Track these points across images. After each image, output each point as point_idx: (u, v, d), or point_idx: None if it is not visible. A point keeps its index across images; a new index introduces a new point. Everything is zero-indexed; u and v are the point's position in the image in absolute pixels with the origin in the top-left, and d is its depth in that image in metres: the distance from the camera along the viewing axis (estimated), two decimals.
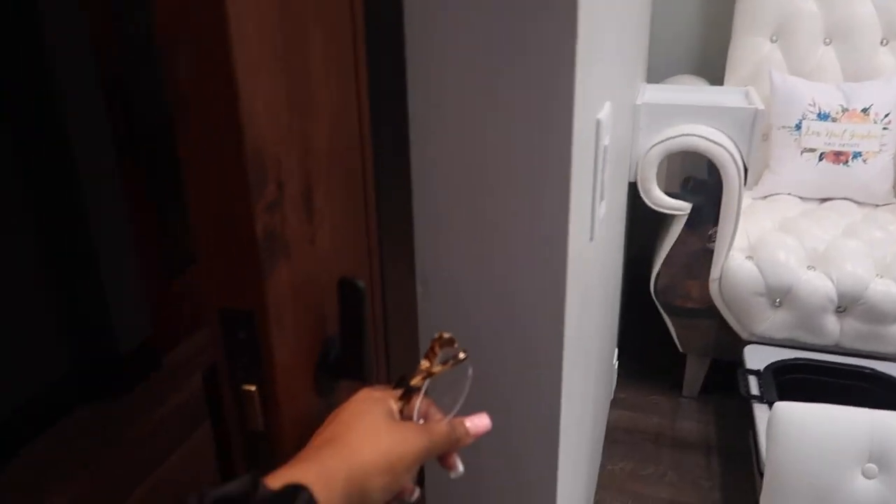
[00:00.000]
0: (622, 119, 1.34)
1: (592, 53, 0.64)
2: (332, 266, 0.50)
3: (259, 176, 0.40)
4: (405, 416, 0.47)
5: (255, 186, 0.40)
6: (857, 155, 1.83)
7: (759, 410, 1.37)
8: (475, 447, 0.64)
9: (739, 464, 1.59)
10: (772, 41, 2.00)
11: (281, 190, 0.43)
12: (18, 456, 0.38)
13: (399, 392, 0.47)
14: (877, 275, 1.55)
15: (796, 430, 1.05)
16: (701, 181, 1.68)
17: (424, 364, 0.47)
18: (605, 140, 0.73)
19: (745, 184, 1.60)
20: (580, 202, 0.64)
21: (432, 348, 0.47)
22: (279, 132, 0.42)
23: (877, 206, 1.86)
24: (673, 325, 1.76)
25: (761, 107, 1.56)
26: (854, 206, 1.86)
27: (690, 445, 1.67)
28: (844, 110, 1.84)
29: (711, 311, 1.70)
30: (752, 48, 2.01)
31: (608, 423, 1.75)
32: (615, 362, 1.82)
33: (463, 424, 0.48)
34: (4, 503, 0.37)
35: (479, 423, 0.49)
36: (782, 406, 1.07)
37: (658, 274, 1.72)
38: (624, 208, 1.62)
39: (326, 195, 0.49)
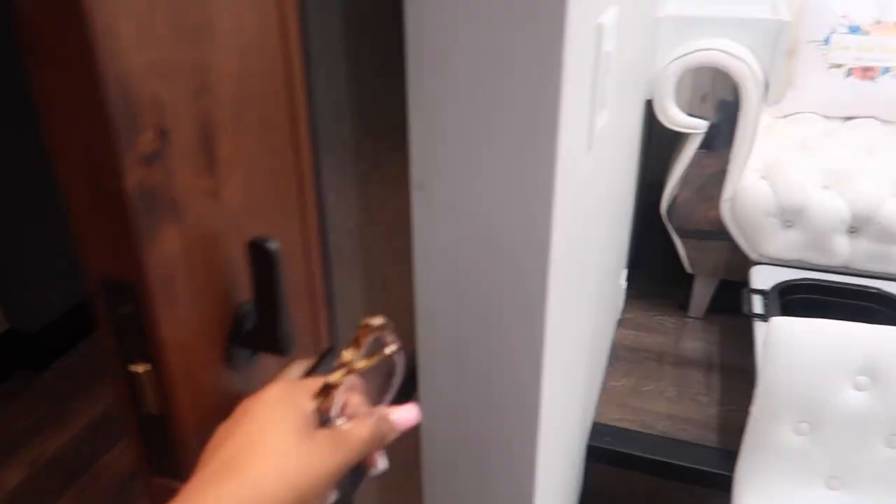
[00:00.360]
0: (639, 31, 1.29)
1: None
2: (245, 224, 0.43)
3: (128, 121, 0.33)
4: (323, 413, 0.41)
5: (123, 134, 0.32)
6: (886, 70, 1.75)
7: (761, 329, 1.38)
8: (463, 364, 0.66)
9: (738, 381, 1.62)
10: None
11: (163, 137, 0.35)
12: None
13: (317, 385, 0.41)
14: (892, 195, 1.51)
15: (790, 343, 1.06)
16: (724, 102, 1.62)
17: (346, 356, 0.41)
18: (608, 46, 0.71)
19: (765, 101, 1.55)
20: (575, 108, 0.63)
21: (357, 338, 0.41)
22: (158, 64, 0.34)
23: None
24: (683, 246, 1.76)
25: (787, 19, 1.49)
26: (879, 124, 1.80)
27: (692, 363, 1.70)
28: (878, 22, 1.75)
29: (722, 233, 1.68)
30: None
31: (614, 341, 1.78)
32: (623, 282, 1.82)
33: (388, 421, 0.43)
34: None
35: (406, 416, 0.44)
36: (777, 321, 1.08)
37: (671, 195, 1.70)
38: (639, 126, 1.58)
39: (236, 141, 0.41)
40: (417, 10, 0.57)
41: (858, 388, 1.06)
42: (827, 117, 1.85)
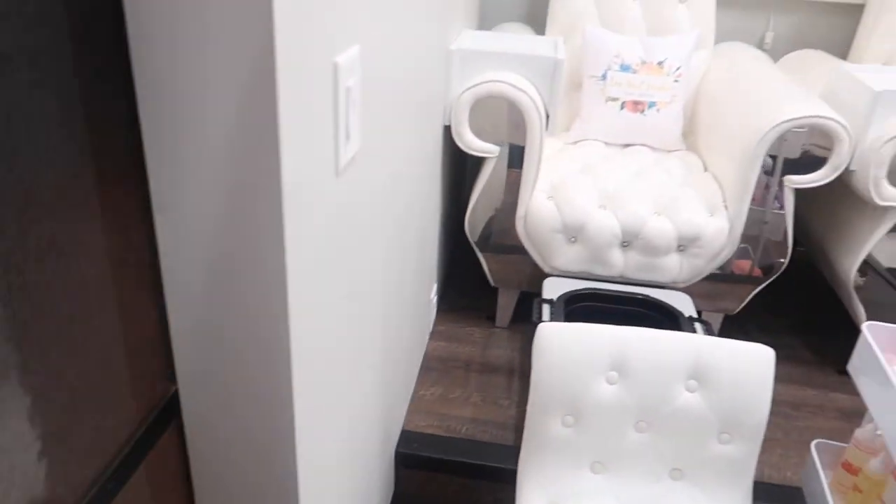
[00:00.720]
0: (427, 63, 1.40)
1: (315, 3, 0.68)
2: None
3: None
4: None
5: None
6: (652, 104, 2.01)
7: None
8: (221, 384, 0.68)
9: None
10: None
11: None
12: None
13: None
14: (655, 213, 1.74)
15: (553, 346, 1.19)
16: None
17: None
18: (349, 82, 0.78)
19: (547, 128, 1.73)
20: (310, 139, 0.69)
21: None
22: None
23: (669, 151, 2.07)
24: (486, 261, 1.89)
25: (562, 57, 1.68)
26: (650, 151, 2.05)
27: (496, 370, 1.83)
28: (644, 63, 2.01)
29: (519, 248, 1.84)
30: (570, 1, 2.13)
31: (426, 353, 1.88)
32: (434, 297, 1.93)
33: None
34: None
35: None
36: (543, 326, 1.21)
37: (471, 212, 1.83)
38: (438, 149, 1.70)
39: None
40: (141, 40, 0.61)
41: (610, 382, 1.22)
42: (608, 144, 2.08)
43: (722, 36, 2.35)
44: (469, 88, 1.65)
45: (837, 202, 1.87)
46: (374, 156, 1.00)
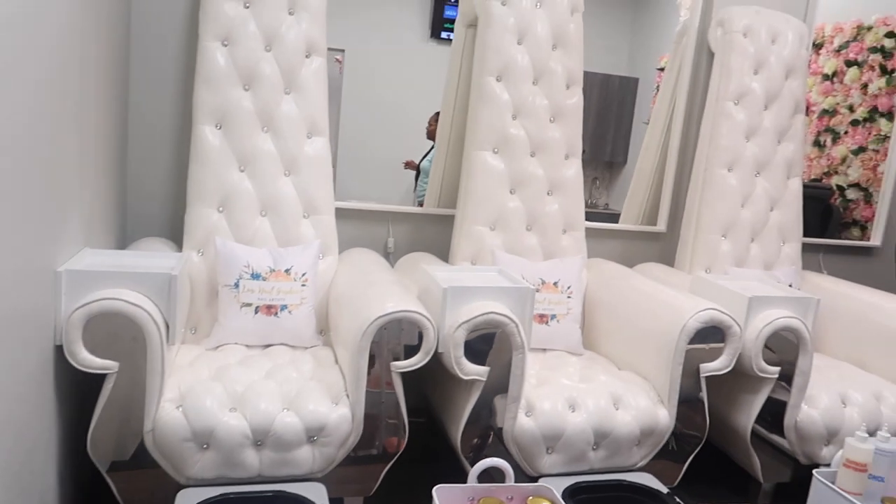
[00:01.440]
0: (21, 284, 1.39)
1: None
2: None
3: None
4: None
5: None
6: (284, 307, 2.21)
7: None
8: None
9: None
10: (219, 211, 2.33)
11: None
12: None
13: None
14: (283, 409, 1.85)
15: None
16: None
17: None
18: None
19: (168, 340, 1.78)
20: None
21: None
22: None
23: (306, 348, 2.25)
24: (115, 480, 1.78)
25: (177, 273, 1.79)
26: (288, 349, 2.21)
27: None
28: (272, 270, 2.22)
29: (150, 461, 1.78)
30: (203, 217, 2.31)
31: None
32: None
33: None
34: None
35: None
36: None
37: (93, 432, 1.74)
38: (46, 373, 1.63)
39: None
40: None
41: None
42: (249, 346, 2.20)
43: (351, 242, 2.73)
44: (80, 307, 1.66)
45: (447, 379, 2.20)
46: None
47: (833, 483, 1.84)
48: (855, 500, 1.77)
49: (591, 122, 3.74)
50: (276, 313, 2.20)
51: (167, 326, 1.77)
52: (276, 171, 2.38)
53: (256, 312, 2.18)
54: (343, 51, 3.32)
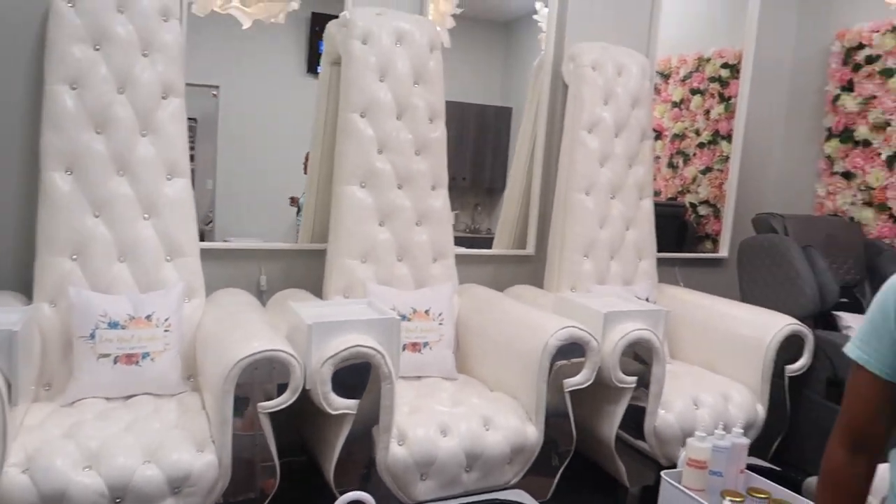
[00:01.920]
0: None
1: None
2: None
3: None
4: None
5: None
6: (146, 355, 2.14)
7: None
8: None
9: None
10: (72, 259, 2.23)
11: None
12: None
13: None
14: (144, 462, 1.79)
15: None
16: None
17: None
18: None
19: (11, 400, 1.69)
20: None
21: None
22: None
23: (172, 395, 2.18)
24: None
25: (17, 329, 1.70)
26: (152, 398, 2.14)
27: None
28: (132, 318, 2.15)
29: None
30: (54, 266, 2.20)
31: None
32: None
33: None
34: None
35: None
36: None
37: None
38: None
39: None
40: None
41: None
42: (109, 399, 2.11)
43: (222, 283, 2.68)
44: None
45: (318, 414, 2.20)
46: None
47: (679, 482, 1.99)
48: (697, 497, 1.92)
49: (470, 151, 3.88)
50: (138, 362, 2.13)
51: (9, 386, 1.68)
52: (135, 215, 2.32)
53: (116, 363, 2.10)
54: (218, 87, 3.28)
